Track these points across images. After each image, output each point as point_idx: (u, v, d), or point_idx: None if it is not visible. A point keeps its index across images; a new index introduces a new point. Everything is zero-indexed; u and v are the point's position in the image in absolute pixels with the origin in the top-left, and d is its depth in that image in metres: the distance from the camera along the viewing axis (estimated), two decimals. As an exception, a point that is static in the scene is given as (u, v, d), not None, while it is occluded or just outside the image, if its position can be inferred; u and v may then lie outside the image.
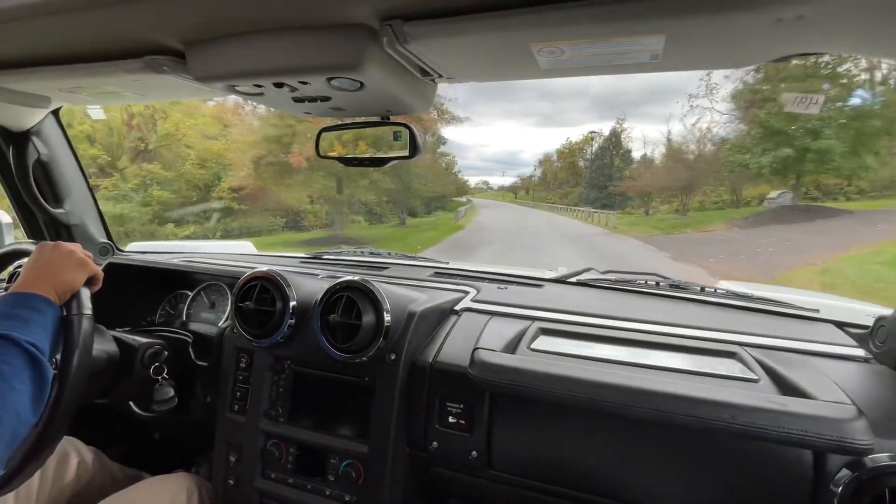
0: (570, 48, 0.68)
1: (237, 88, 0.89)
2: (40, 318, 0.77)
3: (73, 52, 0.91)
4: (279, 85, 0.84)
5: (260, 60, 0.79)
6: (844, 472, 0.68)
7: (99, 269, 0.92)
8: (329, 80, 0.80)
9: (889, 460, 0.67)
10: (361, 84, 0.82)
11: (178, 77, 0.90)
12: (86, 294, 0.87)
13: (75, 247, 0.90)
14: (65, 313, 0.83)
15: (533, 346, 0.95)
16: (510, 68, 0.80)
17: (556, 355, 0.91)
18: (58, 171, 1.44)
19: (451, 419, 0.90)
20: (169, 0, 0.68)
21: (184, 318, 1.42)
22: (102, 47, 0.88)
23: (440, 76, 0.87)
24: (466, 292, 1.24)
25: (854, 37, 0.62)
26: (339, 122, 1.12)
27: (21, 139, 1.34)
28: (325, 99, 0.92)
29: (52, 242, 0.90)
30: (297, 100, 0.93)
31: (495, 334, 0.99)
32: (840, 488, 0.67)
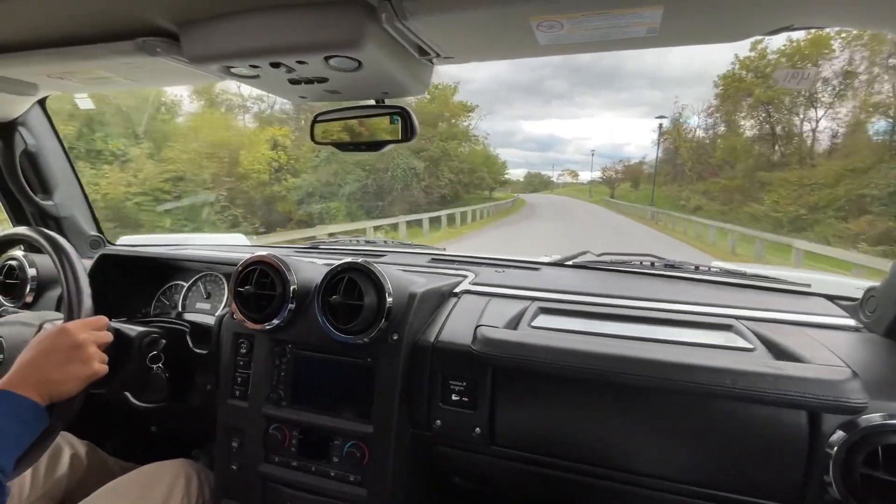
0: (569, 22, 0.68)
1: (232, 70, 0.88)
2: (18, 431, 0.68)
3: (62, 35, 0.89)
4: (276, 65, 0.83)
5: (256, 39, 0.78)
6: (839, 433, 0.70)
7: (103, 370, 0.81)
8: (327, 59, 0.80)
9: (881, 419, 0.69)
10: (359, 64, 0.81)
11: (172, 59, 0.88)
12: (76, 404, 0.77)
13: (85, 335, 0.79)
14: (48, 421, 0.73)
15: (534, 323, 0.96)
16: (509, 45, 0.80)
17: (558, 331, 0.93)
18: (45, 162, 1.42)
19: (454, 397, 0.91)
20: None
21: (179, 309, 1.41)
22: (92, 29, 0.86)
23: (438, 55, 0.87)
24: (465, 276, 1.25)
25: (850, 8, 0.64)
26: (335, 109, 1.11)
27: (7, 129, 1.31)
28: (322, 80, 0.91)
29: (59, 328, 0.78)
30: (293, 81, 0.92)
31: (496, 314, 1.00)
32: (835, 448, 0.69)
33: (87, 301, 0.90)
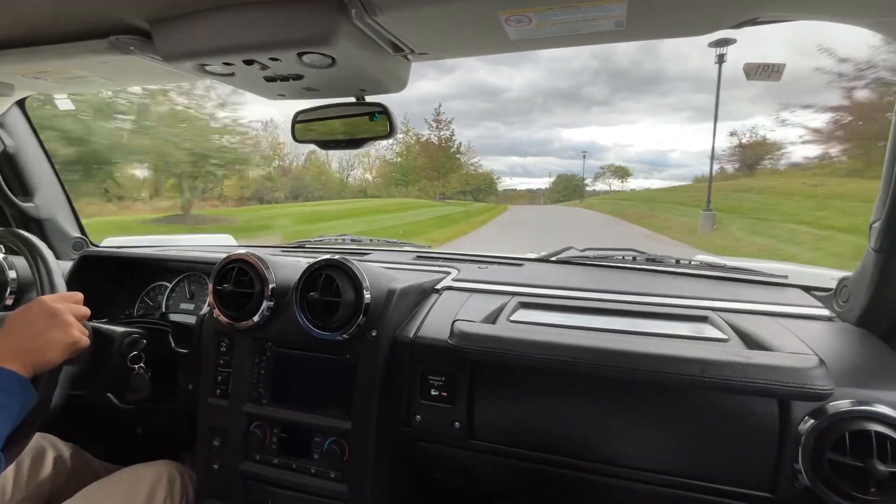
0: (536, 16, 0.69)
1: (207, 68, 0.88)
2: (5, 402, 0.68)
3: (36, 34, 0.89)
4: (249, 63, 0.83)
5: (228, 36, 0.78)
6: (808, 420, 0.71)
7: (85, 340, 0.81)
8: (300, 55, 0.80)
9: (850, 406, 0.70)
10: (333, 60, 0.82)
11: (146, 57, 0.88)
12: (64, 376, 0.77)
13: (60, 304, 0.79)
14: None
15: (512, 318, 0.97)
16: (480, 41, 0.81)
17: (535, 325, 0.93)
18: (25, 163, 1.41)
19: (433, 392, 0.91)
20: None
21: (163, 310, 1.40)
22: (66, 27, 0.86)
23: (413, 52, 0.87)
24: (448, 273, 1.26)
25: (815, 1, 0.65)
26: (315, 107, 1.11)
27: None
28: (297, 77, 0.91)
29: (33, 300, 0.78)
30: (268, 79, 0.92)
31: (476, 309, 1.01)
32: (804, 435, 0.70)
33: (60, 280, 0.90)
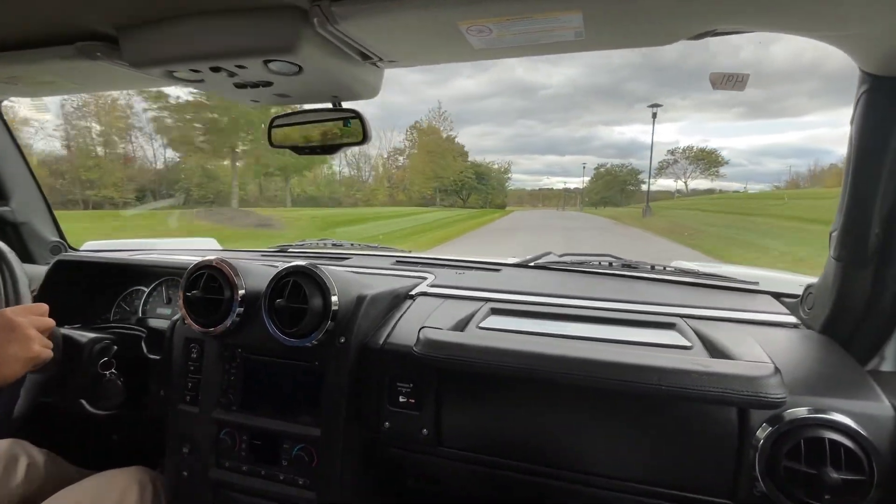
0: (497, 26, 0.69)
1: (175, 75, 0.88)
2: None
3: (4, 40, 0.89)
4: (216, 70, 0.83)
5: (194, 44, 0.78)
6: (765, 427, 0.72)
7: (46, 353, 0.80)
8: (266, 63, 0.80)
9: (807, 413, 0.71)
10: (300, 68, 0.82)
11: (113, 63, 0.88)
12: (30, 384, 0.77)
13: (22, 318, 0.78)
14: None
15: (482, 324, 0.97)
16: (445, 49, 0.81)
17: (503, 332, 0.93)
18: (0, 167, 1.40)
19: (401, 399, 0.91)
20: None
21: (140, 315, 1.39)
22: (34, 33, 0.86)
23: (381, 59, 0.88)
24: (424, 278, 1.26)
25: (771, 14, 0.66)
26: (291, 113, 1.11)
27: None
28: (267, 84, 0.91)
29: None
30: (238, 86, 0.92)
31: (446, 315, 1.01)
32: (761, 442, 0.71)
33: (24, 290, 0.90)
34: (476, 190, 53.97)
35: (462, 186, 51.97)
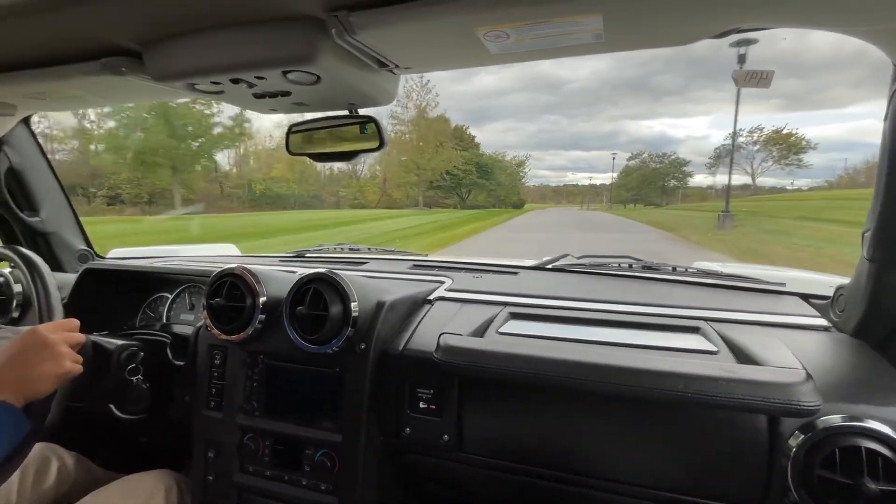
0: (514, 31, 0.69)
1: (197, 87, 0.90)
2: None
3: (33, 57, 0.92)
4: (236, 81, 0.85)
5: (215, 57, 0.79)
6: (798, 435, 0.70)
7: (77, 368, 0.82)
8: (285, 73, 0.81)
9: (841, 421, 0.68)
10: (318, 77, 0.83)
11: (137, 78, 0.90)
12: (60, 393, 0.78)
13: (55, 334, 0.80)
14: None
15: (502, 329, 0.97)
16: (462, 55, 0.81)
17: (524, 337, 0.93)
18: (31, 179, 1.45)
19: (421, 405, 0.91)
20: (118, 1, 0.69)
21: (164, 321, 1.43)
22: (61, 51, 0.89)
23: (397, 66, 0.88)
24: (442, 282, 1.26)
25: (796, 9, 0.64)
26: (308, 119, 1.13)
27: None
28: (285, 94, 0.92)
29: (28, 329, 0.80)
30: (257, 96, 0.94)
31: (466, 320, 1.01)
32: (793, 451, 0.69)
33: (57, 306, 0.92)
34: (477, 186, 45.54)
35: (459, 182, 43.70)
